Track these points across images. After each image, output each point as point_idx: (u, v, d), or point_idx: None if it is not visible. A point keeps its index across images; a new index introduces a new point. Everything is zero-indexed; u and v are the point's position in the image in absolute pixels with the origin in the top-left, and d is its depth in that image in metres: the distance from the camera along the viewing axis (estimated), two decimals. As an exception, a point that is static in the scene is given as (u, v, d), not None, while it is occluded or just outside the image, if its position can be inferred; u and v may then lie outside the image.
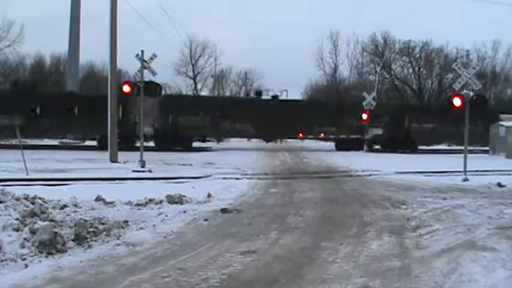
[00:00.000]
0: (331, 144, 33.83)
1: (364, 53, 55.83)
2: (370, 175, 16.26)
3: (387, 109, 33.88)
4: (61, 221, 6.96)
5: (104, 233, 6.79)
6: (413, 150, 30.34)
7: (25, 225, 6.15)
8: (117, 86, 18.96)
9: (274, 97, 39.57)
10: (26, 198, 7.37)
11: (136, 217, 7.96)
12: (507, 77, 53.84)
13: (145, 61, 17.00)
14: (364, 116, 29.61)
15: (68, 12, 37.23)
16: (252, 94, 36.64)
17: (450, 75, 47.27)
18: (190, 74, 57.72)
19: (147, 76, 17.92)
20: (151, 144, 28.71)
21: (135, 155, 17.69)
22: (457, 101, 14.84)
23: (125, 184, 12.49)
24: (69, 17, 37.24)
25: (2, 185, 8.10)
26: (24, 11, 67.30)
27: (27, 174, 13.22)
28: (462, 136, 15.90)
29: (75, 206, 8.50)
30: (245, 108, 28.99)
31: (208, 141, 34.27)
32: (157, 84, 17.93)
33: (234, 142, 38.65)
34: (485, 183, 13.40)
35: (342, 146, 31.01)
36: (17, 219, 6.32)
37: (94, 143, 28.62)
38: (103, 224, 7.23)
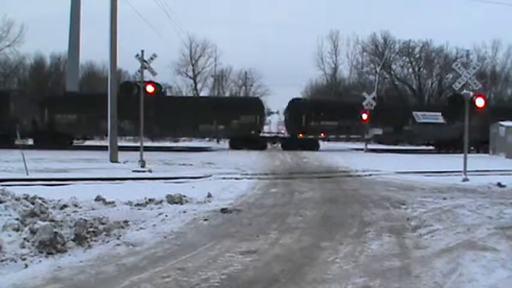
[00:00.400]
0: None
1: (364, 53, 56.02)
2: (370, 175, 16.26)
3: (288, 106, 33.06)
4: (61, 221, 6.95)
5: (104, 233, 6.79)
6: (314, 148, 29.78)
7: (25, 225, 6.15)
8: (117, 85, 18.99)
9: (163, 93, 38.71)
10: (26, 198, 7.38)
11: (137, 217, 7.95)
12: (507, 77, 53.87)
13: (145, 61, 17.02)
14: (364, 116, 29.56)
15: (68, 12, 37.23)
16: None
17: (450, 75, 47.34)
18: (190, 74, 57.91)
19: (147, 76, 17.98)
20: (30, 142, 27.47)
21: (135, 155, 17.71)
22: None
23: (125, 184, 12.50)
24: (69, 17, 37.23)
25: (2, 185, 8.12)
26: (24, 11, 67.39)
27: (27, 174, 13.22)
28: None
29: (75, 206, 8.49)
30: (128, 106, 26.43)
31: (88, 139, 32.71)
32: (157, 84, 17.98)
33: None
34: (485, 183, 13.40)
35: (235, 145, 30.05)
36: (17, 219, 6.33)
37: None
38: (103, 224, 7.22)
